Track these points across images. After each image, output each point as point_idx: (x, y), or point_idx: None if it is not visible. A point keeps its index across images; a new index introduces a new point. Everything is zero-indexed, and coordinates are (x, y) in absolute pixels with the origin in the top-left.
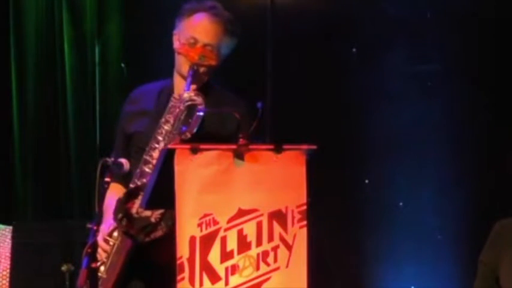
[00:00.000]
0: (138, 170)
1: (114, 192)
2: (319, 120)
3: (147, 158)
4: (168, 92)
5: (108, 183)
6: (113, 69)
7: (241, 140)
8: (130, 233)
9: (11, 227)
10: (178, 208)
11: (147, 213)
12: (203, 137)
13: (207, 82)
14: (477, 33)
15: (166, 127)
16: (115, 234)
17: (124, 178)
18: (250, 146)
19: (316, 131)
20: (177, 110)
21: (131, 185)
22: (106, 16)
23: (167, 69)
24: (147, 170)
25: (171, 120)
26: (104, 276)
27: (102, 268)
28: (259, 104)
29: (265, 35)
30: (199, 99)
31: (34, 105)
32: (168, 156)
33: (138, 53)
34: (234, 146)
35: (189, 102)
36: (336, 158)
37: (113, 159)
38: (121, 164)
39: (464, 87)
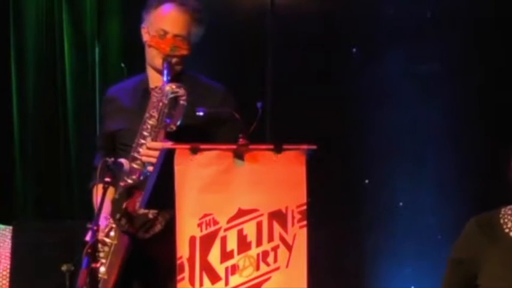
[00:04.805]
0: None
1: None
2: (319, 120)
3: (135, 154)
4: (143, 86)
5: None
6: (113, 69)
7: (241, 140)
8: (130, 232)
9: (11, 227)
10: (178, 208)
11: (144, 210)
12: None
13: (180, 71)
14: (477, 33)
15: (151, 122)
16: (112, 234)
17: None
18: (250, 146)
19: (316, 131)
20: (160, 103)
21: (121, 183)
22: (106, 16)
23: None
24: (135, 166)
25: (156, 115)
26: (105, 277)
27: (102, 269)
28: (259, 104)
29: (265, 35)
30: (181, 91)
31: (34, 105)
32: (168, 156)
33: (138, 53)
34: (234, 146)
35: (172, 95)
36: (336, 158)
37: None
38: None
39: (464, 88)
